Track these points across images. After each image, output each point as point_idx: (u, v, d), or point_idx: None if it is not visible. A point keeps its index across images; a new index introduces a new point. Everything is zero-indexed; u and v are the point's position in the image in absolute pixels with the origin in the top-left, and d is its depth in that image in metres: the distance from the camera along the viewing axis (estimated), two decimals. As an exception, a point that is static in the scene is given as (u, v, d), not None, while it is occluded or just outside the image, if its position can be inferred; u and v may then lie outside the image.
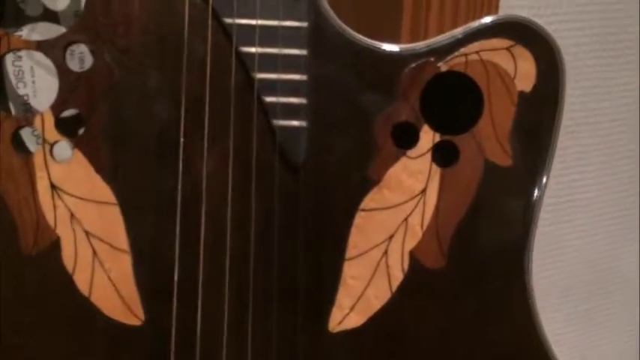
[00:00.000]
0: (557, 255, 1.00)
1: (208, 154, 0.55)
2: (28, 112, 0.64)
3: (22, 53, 0.63)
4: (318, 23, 0.55)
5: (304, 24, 0.55)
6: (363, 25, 0.58)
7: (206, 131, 0.55)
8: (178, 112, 0.55)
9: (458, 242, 0.58)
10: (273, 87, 0.55)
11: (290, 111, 0.55)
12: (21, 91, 0.64)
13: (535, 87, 0.57)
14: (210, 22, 0.54)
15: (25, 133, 0.57)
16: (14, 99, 0.63)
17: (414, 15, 0.73)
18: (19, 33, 0.63)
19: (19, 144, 0.56)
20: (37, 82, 0.64)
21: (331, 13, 0.56)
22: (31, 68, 0.63)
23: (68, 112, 0.55)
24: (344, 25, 0.56)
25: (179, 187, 0.55)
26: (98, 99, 0.55)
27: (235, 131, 0.55)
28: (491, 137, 0.57)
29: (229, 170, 0.55)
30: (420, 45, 0.57)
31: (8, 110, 0.60)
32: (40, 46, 0.55)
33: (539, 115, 0.57)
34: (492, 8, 0.74)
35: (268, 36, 0.55)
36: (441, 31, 0.76)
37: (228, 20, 0.54)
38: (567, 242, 1.00)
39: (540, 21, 0.57)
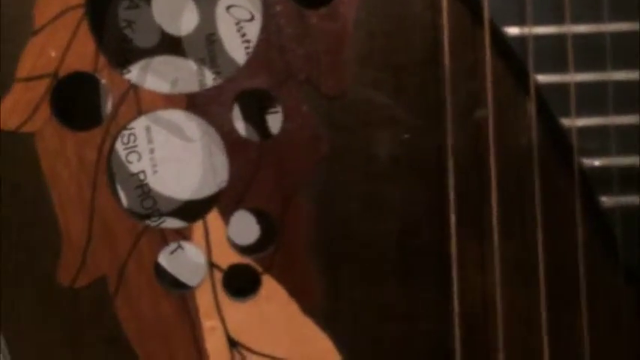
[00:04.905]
0: None
1: (496, 264, 0.32)
2: (145, 200, 0.41)
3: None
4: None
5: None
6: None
7: (495, 229, 0.31)
8: (438, 199, 0.32)
9: None
10: (602, 141, 0.31)
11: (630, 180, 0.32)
12: (133, 168, 0.40)
13: None
14: (487, 32, 0.31)
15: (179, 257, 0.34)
16: (124, 181, 0.40)
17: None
18: (125, 76, 0.39)
19: (169, 276, 0.33)
20: (158, 150, 0.40)
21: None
22: (147, 129, 0.40)
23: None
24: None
25: (455, 325, 0.32)
26: (297, 187, 0.32)
27: (542, 224, 0.32)
28: None
29: (541, 291, 0.32)
30: None
31: (120, 205, 0.35)
32: (194, 103, 0.31)
33: None
34: None
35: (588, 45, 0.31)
36: None
37: (513, 30, 0.31)
38: None
39: None
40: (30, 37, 0.30)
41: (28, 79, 0.30)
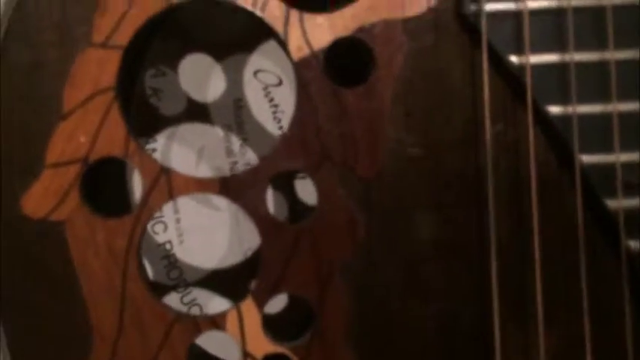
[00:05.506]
0: None
1: (541, 351, 0.31)
2: (171, 270, 0.39)
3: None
4: None
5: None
6: None
7: (540, 316, 0.30)
8: (479, 282, 0.31)
9: None
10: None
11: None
12: (159, 238, 0.39)
13: None
14: (530, 107, 0.30)
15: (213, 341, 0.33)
16: (150, 253, 0.39)
17: None
18: (151, 145, 0.38)
19: (197, 349, 0.32)
20: (184, 220, 0.39)
21: None
22: (173, 199, 0.39)
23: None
24: None
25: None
26: (334, 272, 0.31)
27: (588, 309, 0.30)
28: None
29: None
30: None
31: (144, 277, 0.34)
32: (227, 187, 0.30)
33: None
34: None
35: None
36: None
37: (556, 109, 0.30)
38: None
39: None
40: (59, 122, 0.30)
41: (58, 165, 0.30)
